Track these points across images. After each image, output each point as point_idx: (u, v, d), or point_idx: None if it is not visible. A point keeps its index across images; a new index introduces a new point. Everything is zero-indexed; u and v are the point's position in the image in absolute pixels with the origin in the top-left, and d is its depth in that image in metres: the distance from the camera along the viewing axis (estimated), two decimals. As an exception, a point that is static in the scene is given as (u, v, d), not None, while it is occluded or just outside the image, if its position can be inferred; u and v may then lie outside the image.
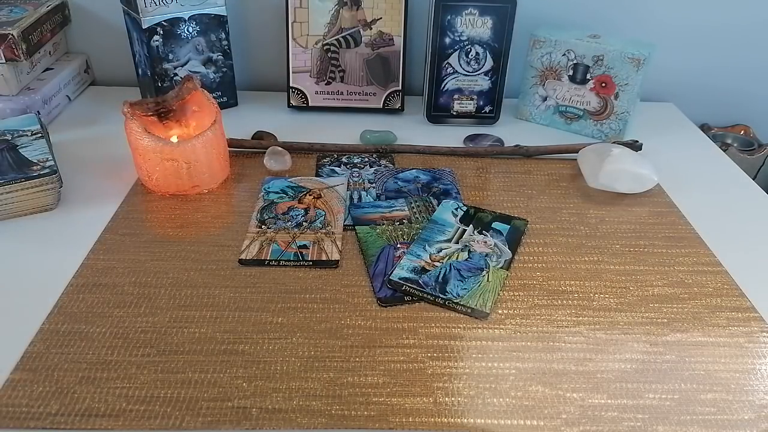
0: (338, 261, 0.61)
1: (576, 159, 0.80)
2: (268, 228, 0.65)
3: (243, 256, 0.61)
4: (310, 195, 0.69)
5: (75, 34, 0.98)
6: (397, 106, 0.93)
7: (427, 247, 0.63)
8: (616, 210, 0.73)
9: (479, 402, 0.48)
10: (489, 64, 0.87)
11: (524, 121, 0.94)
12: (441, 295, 0.57)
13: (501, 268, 0.61)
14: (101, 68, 1.01)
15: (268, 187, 0.72)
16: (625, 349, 0.53)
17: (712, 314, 0.57)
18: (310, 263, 0.60)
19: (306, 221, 0.66)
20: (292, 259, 0.61)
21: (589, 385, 0.50)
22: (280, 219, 0.66)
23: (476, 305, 0.57)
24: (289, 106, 0.93)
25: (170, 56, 0.85)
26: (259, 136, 0.83)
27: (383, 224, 0.67)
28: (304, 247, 0.62)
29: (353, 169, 0.78)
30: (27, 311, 0.54)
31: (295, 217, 0.67)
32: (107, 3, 0.94)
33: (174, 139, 0.71)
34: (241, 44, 0.98)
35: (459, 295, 0.57)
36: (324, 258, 0.61)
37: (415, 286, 0.58)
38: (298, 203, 0.68)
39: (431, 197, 0.72)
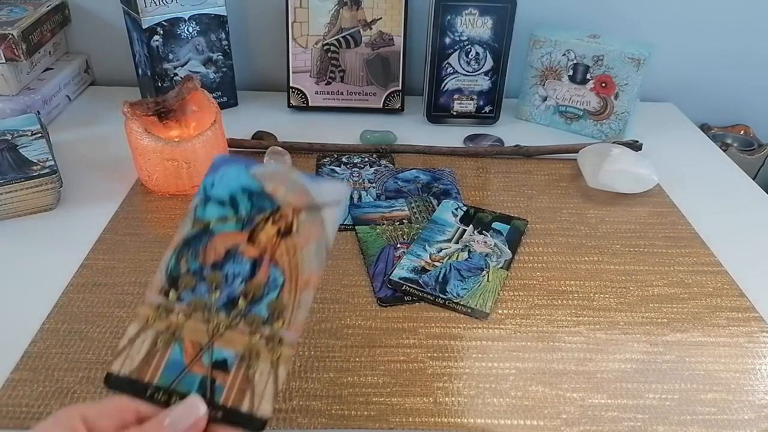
0: (266, 421, 0.31)
1: (576, 159, 0.80)
2: (178, 300, 0.34)
3: (115, 368, 0.32)
4: (273, 223, 0.35)
5: (75, 34, 0.98)
6: (397, 106, 0.93)
7: (427, 247, 0.63)
8: (616, 210, 0.73)
9: (479, 402, 0.48)
10: (489, 64, 0.87)
11: (524, 121, 0.94)
12: (441, 295, 0.57)
13: (501, 268, 0.61)
14: (101, 68, 1.01)
15: (212, 183, 0.36)
16: (625, 349, 0.53)
17: (712, 314, 0.57)
18: (219, 413, 0.31)
19: (245, 295, 0.34)
20: (196, 389, 0.32)
21: (589, 385, 0.50)
22: (205, 277, 0.34)
23: (476, 305, 0.57)
24: (289, 106, 0.93)
25: (170, 56, 0.85)
26: (259, 136, 0.83)
27: (383, 224, 0.67)
28: (222, 366, 0.32)
29: (353, 169, 0.78)
30: (27, 311, 0.54)
31: (231, 277, 0.34)
32: (107, 3, 0.94)
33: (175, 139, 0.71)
34: (241, 44, 0.98)
35: (459, 295, 0.57)
36: (245, 407, 0.31)
37: (415, 286, 0.58)
38: (248, 243, 0.35)
39: (431, 197, 0.72)
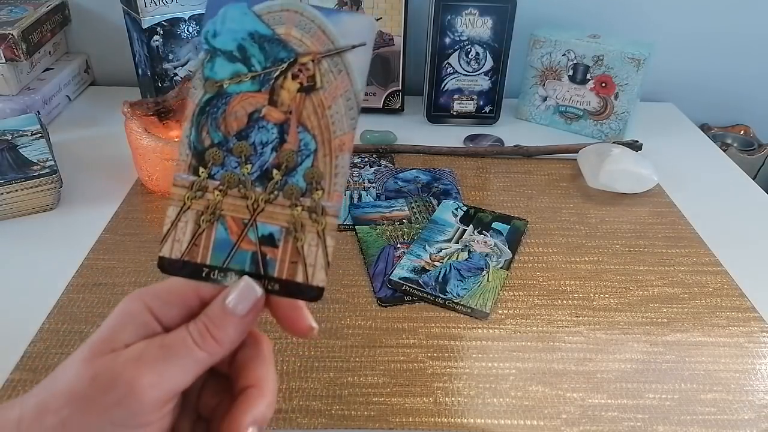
0: (323, 288, 0.32)
1: (576, 159, 0.80)
2: (210, 177, 0.31)
3: (165, 252, 0.31)
4: (294, 78, 0.31)
5: (75, 34, 0.98)
6: (397, 106, 0.93)
7: (427, 247, 0.63)
8: (616, 210, 0.73)
9: (479, 402, 0.48)
10: (489, 64, 0.87)
11: (524, 121, 0.94)
12: (441, 295, 0.57)
13: (501, 268, 0.61)
14: (101, 68, 1.01)
15: (214, 33, 0.31)
16: (625, 349, 0.53)
17: (712, 314, 0.57)
18: (275, 286, 0.31)
19: (278, 165, 0.31)
20: (247, 270, 0.30)
21: (589, 385, 0.50)
22: (231, 148, 0.31)
23: (476, 305, 0.57)
24: (289, 106, 0.93)
25: (170, 56, 0.85)
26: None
27: (383, 224, 0.67)
28: (270, 241, 0.31)
29: (353, 169, 0.78)
30: (27, 311, 0.54)
31: (260, 145, 0.31)
32: (107, 3, 0.94)
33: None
34: (241, 44, 0.98)
35: (459, 295, 0.57)
36: (300, 277, 0.31)
37: (415, 286, 0.58)
38: (269, 106, 0.31)
39: (431, 197, 0.72)
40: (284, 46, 0.31)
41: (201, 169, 0.31)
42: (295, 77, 0.31)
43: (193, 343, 0.28)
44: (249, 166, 0.31)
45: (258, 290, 0.29)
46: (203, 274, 0.30)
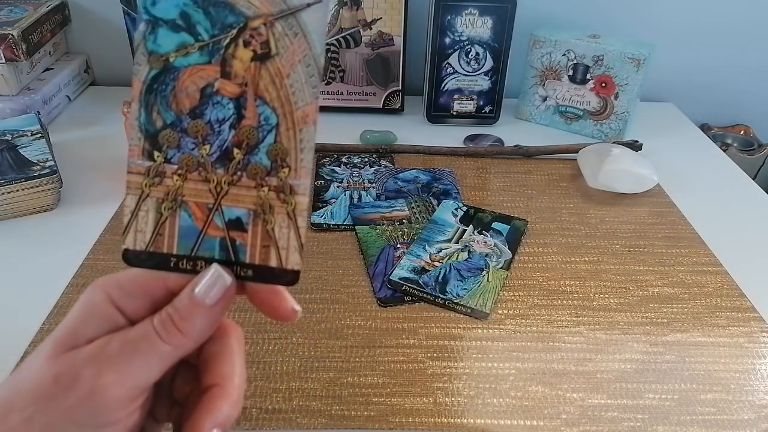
0: (298, 272, 0.29)
1: (576, 159, 0.80)
2: (166, 161, 0.29)
3: (129, 244, 0.29)
4: (246, 46, 0.28)
5: (75, 34, 0.98)
6: (397, 106, 0.93)
7: (427, 247, 0.63)
8: (616, 210, 0.73)
9: (479, 402, 0.48)
10: (489, 64, 0.87)
11: (524, 121, 0.94)
12: (441, 295, 0.57)
13: (501, 268, 0.61)
14: (101, 68, 1.01)
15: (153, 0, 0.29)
16: (625, 349, 0.53)
17: (712, 314, 0.57)
18: (248, 272, 0.29)
19: (238, 144, 0.29)
20: (217, 257, 0.29)
21: (589, 385, 0.50)
22: (185, 128, 0.29)
23: (476, 305, 0.57)
24: (289, 106, 0.93)
25: (170, 56, 0.85)
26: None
27: (383, 224, 0.67)
28: (237, 225, 0.29)
29: (353, 169, 0.78)
30: (27, 311, 0.54)
31: (216, 123, 0.29)
32: (107, 3, 0.94)
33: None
34: (241, 44, 0.98)
35: (459, 295, 0.57)
36: (273, 261, 0.29)
37: (415, 286, 0.58)
38: (222, 79, 0.28)
39: (431, 197, 0.72)
40: (231, 10, 0.28)
41: (156, 153, 0.29)
42: (247, 44, 0.28)
43: (156, 336, 0.26)
44: (207, 147, 0.28)
45: (227, 278, 0.28)
46: (171, 264, 0.29)
